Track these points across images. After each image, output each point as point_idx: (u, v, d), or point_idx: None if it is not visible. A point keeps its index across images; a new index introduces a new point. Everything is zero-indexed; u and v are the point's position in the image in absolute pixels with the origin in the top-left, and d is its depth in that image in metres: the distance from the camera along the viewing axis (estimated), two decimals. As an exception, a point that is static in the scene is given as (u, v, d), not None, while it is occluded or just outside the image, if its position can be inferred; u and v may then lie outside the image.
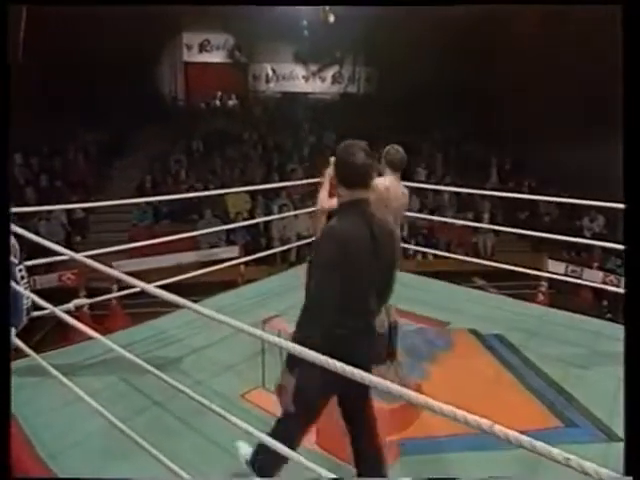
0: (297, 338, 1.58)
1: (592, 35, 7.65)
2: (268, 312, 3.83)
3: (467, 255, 7.55)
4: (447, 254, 6.43)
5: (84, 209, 8.20)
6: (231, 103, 13.75)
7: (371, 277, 1.72)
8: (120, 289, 4.83)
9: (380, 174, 2.98)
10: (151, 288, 1.93)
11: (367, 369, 1.44)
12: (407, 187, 3.07)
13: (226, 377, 2.86)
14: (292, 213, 6.98)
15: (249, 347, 3.16)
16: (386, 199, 2.88)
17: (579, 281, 5.04)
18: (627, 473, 1.06)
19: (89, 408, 2.28)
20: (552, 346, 3.40)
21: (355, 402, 1.86)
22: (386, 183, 2.88)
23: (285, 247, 6.72)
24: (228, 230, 7.42)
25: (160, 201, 8.05)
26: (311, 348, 1.38)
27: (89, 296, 4.70)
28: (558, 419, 2.55)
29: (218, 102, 13.73)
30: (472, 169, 10.76)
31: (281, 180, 9.11)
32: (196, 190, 8.52)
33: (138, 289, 3.35)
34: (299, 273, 4.94)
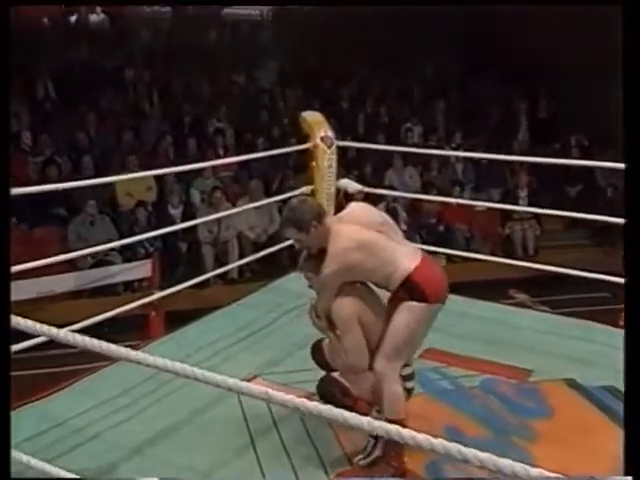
0: None
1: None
2: (238, 371, 3.62)
3: (496, 255, 7.70)
4: (467, 255, 6.38)
5: None
6: (95, 19, 13.35)
7: None
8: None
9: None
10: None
11: None
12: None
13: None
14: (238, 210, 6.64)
15: (229, 437, 3.06)
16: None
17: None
18: (627, 473, 1.41)
19: None
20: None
21: None
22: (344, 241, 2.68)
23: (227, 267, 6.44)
24: (124, 235, 7.00)
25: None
26: None
27: None
28: None
29: (72, 18, 13.25)
30: (490, 122, 11.00)
31: (200, 146, 8.89)
32: (57, 165, 8.08)
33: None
34: (258, 301, 4.78)
